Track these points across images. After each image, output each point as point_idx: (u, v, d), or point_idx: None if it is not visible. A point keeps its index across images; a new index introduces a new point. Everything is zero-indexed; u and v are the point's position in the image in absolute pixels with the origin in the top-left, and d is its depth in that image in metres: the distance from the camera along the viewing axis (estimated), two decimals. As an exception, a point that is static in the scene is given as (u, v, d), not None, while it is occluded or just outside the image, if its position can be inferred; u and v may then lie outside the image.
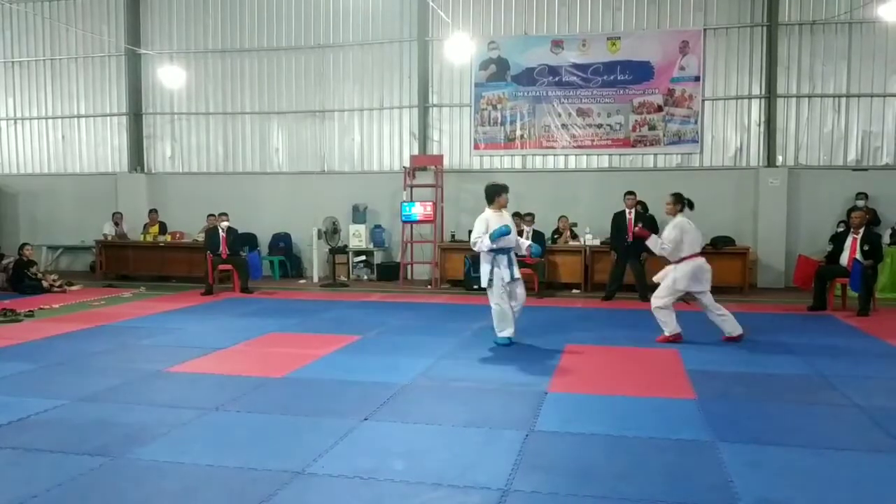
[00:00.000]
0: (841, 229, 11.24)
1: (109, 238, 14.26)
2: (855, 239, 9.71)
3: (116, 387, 5.74)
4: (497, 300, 7.35)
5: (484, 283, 7.43)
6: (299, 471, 3.92)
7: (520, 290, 7.55)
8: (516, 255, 7.57)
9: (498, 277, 7.29)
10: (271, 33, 14.94)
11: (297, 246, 14.82)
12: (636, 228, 7.94)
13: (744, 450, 4.26)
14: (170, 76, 13.95)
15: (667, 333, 7.60)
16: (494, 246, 7.20)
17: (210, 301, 10.98)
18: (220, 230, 12.03)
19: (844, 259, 9.77)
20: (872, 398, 5.41)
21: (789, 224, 12.83)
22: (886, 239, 11.70)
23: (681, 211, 7.66)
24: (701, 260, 7.56)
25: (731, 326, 7.60)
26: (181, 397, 5.45)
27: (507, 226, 7.28)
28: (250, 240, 14.24)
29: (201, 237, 13.09)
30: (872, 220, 11.64)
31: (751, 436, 4.54)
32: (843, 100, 12.89)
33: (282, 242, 14.69)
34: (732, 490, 3.65)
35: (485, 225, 7.32)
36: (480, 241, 7.26)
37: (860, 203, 11.88)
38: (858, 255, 9.57)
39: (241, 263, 12.09)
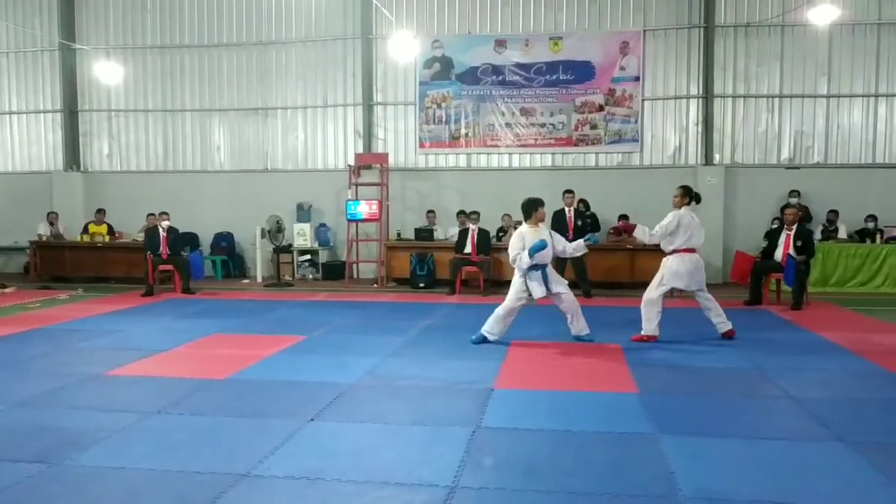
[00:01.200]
0: (775, 226, 11.62)
1: (44, 238, 13.82)
2: (788, 235, 10.04)
3: (54, 391, 5.58)
4: (512, 302, 7.33)
5: (516, 300, 7.31)
6: (245, 473, 3.88)
7: (565, 298, 7.39)
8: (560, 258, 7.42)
9: (535, 291, 7.20)
10: (212, 29, 14.70)
11: (240, 245, 14.63)
12: (621, 222, 7.83)
13: (684, 442, 4.37)
14: (106, 72, 13.59)
15: (642, 332, 7.51)
16: (535, 261, 7.11)
17: (150, 302, 10.76)
18: (161, 230, 11.79)
19: (778, 255, 10.10)
20: (805, 389, 5.61)
21: (726, 221, 13.21)
22: (818, 235, 12.14)
23: (687, 204, 7.56)
24: (695, 255, 7.53)
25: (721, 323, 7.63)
26: (121, 401, 5.32)
27: (543, 240, 7.11)
28: (191, 239, 14.00)
29: (141, 237, 12.81)
30: (805, 216, 12.07)
31: (691, 428, 4.66)
32: (777, 100, 13.33)
33: (224, 242, 14.47)
34: (674, 481, 3.75)
35: (521, 241, 7.20)
36: (519, 259, 7.15)
37: (793, 200, 12.31)
38: (792, 251, 9.90)
39: (182, 263, 11.87)
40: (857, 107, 13.20)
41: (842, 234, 12.42)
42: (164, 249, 11.73)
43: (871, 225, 12.35)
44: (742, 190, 13.28)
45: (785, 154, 13.41)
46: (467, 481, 3.76)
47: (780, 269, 10.07)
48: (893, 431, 4.58)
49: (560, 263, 11.23)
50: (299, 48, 14.50)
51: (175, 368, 6.43)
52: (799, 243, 9.93)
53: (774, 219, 12.51)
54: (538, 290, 7.21)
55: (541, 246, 7.05)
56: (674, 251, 7.51)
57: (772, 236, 10.67)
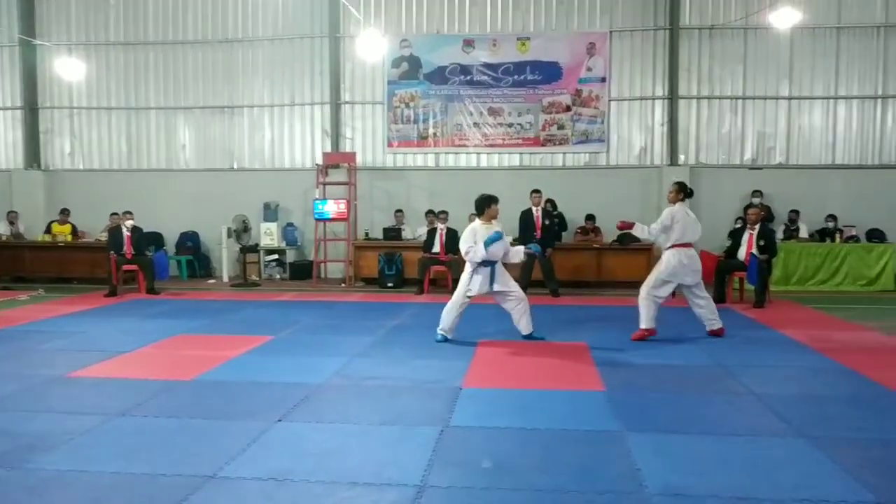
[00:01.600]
0: (738, 225, 11.81)
1: (4, 238, 13.54)
2: (751, 235, 10.22)
3: (14, 394, 5.48)
4: (456, 297, 7.39)
5: (463, 294, 7.34)
6: (211, 475, 3.84)
7: (511, 297, 7.40)
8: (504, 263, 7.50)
9: (475, 285, 7.25)
10: (177, 26, 14.53)
11: (206, 245, 14.49)
12: (620, 221, 7.86)
13: (650, 439, 4.42)
14: (68, 69, 13.37)
15: (642, 327, 7.51)
16: (487, 255, 7.12)
17: (114, 303, 10.60)
18: (125, 229, 11.61)
19: (742, 254, 10.27)
20: (767, 386, 5.71)
21: (691, 220, 13.35)
22: (780, 234, 12.37)
23: (682, 200, 7.65)
24: (691, 250, 7.60)
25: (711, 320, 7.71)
26: (84, 403, 5.24)
27: (499, 232, 7.24)
28: (156, 239, 13.84)
29: (104, 236, 12.61)
30: (767, 216, 12.28)
31: (656, 425, 4.72)
32: (740, 101, 13.55)
33: (189, 241, 14.32)
34: (640, 477, 3.80)
35: (473, 235, 7.24)
36: (473, 251, 7.16)
37: (756, 200, 12.52)
38: (755, 250, 10.07)
39: (146, 263, 11.71)
40: (818, 109, 13.47)
41: (803, 233, 12.67)
42: (127, 249, 11.56)
43: (831, 224, 12.61)
44: (706, 190, 13.44)
45: (748, 155, 13.63)
46: (436, 480, 3.77)
47: (743, 268, 10.24)
48: (852, 427, 4.68)
49: (529, 263, 11.33)
50: (266, 46, 14.39)
51: (139, 370, 6.35)
52: (762, 242, 10.11)
53: (738, 218, 12.71)
54: (478, 286, 7.24)
55: (496, 237, 7.11)
56: (671, 246, 7.57)
57: (735, 236, 10.84)
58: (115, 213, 12.30)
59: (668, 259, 7.56)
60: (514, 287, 7.47)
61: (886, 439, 4.42)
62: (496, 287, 7.32)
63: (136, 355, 6.95)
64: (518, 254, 7.63)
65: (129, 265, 11.64)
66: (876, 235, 12.65)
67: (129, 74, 14.75)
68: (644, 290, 7.60)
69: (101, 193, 14.35)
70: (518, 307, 7.44)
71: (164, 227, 14.23)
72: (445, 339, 7.43)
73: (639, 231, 7.66)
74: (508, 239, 11.92)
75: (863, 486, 3.67)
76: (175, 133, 14.79)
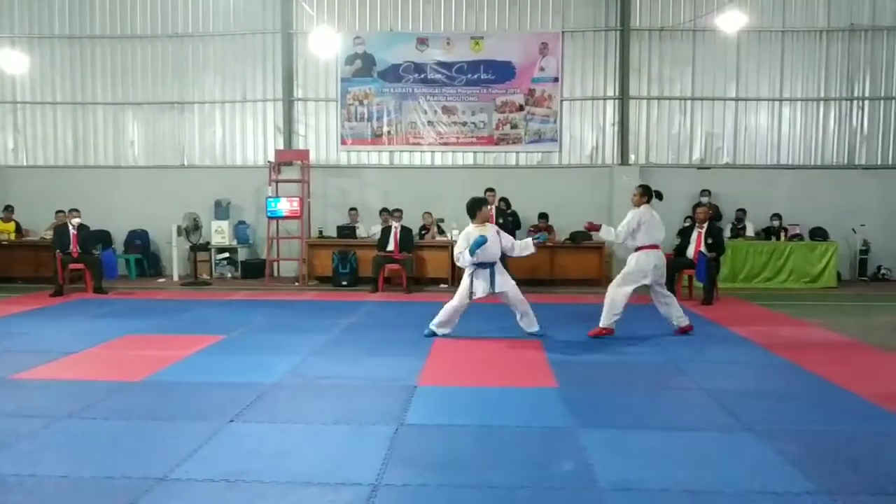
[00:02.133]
0: (687, 224, 12.03)
1: (-57, 236, 13.10)
2: (700, 233, 10.43)
3: (-46, 397, 5.31)
4: (459, 300, 7.46)
5: (466, 297, 7.42)
6: (161, 477, 3.78)
7: (511, 296, 7.50)
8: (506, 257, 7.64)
9: (478, 292, 7.37)
10: (125, 20, 14.22)
11: (156, 243, 14.22)
12: (587, 223, 7.82)
13: (602, 435, 4.49)
14: (11, 62, 12.93)
15: (601, 326, 7.60)
16: (475, 260, 7.26)
17: (60, 302, 10.33)
18: (71, 227, 11.34)
19: (690, 252, 10.48)
20: (716, 381, 5.84)
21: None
22: (727, 233, 12.65)
23: (647, 202, 7.73)
24: (658, 251, 7.66)
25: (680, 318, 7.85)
26: (30, 406, 5.10)
27: (483, 236, 7.23)
28: (104, 237, 13.53)
29: (49, 234, 12.28)
30: (715, 215, 12.53)
31: (609, 421, 4.79)
32: (689, 102, 13.82)
33: (138, 240, 14.04)
34: (592, 473, 3.85)
35: (466, 240, 7.34)
36: (462, 257, 7.32)
37: (704, 199, 12.78)
38: (703, 248, 10.29)
39: (93, 262, 11.45)
40: (764, 110, 13.81)
41: (749, 232, 12.99)
42: (74, 248, 11.29)
43: (776, 223, 12.96)
44: (656, 189, 13.67)
45: (696, 155, 13.90)
46: (390, 479, 3.77)
47: (692, 266, 10.45)
48: (796, 419, 4.83)
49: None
50: (217, 42, 14.18)
51: (87, 371, 6.21)
52: (710, 241, 10.33)
53: (686, 217, 12.96)
54: (480, 289, 7.37)
55: (480, 242, 7.17)
56: (640, 248, 7.63)
57: (684, 234, 11.05)
58: (61, 211, 11.99)
59: (638, 260, 7.62)
60: (513, 287, 7.57)
61: (827, 431, 4.57)
62: (497, 288, 7.43)
63: (84, 356, 6.80)
64: (528, 246, 7.65)
65: (75, 264, 11.36)
66: (819, 234, 13.03)
67: (75, 68, 14.38)
68: (612, 288, 7.70)
69: (46, 190, 13.96)
70: (521, 305, 7.57)
71: (112, 225, 13.92)
72: (433, 335, 7.54)
73: (605, 233, 7.75)
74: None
75: (805, 476, 3.79)
76: (123, 129, 14.47)
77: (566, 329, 8.05)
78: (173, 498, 3.57)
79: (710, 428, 4.67)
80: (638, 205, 7.73)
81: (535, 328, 7.62)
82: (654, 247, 7.65)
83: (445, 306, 7.60)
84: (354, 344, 7.33)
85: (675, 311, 7.84)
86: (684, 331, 7.85)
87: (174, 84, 14.28)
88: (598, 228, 7.75)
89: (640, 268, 7.58)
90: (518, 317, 7.64)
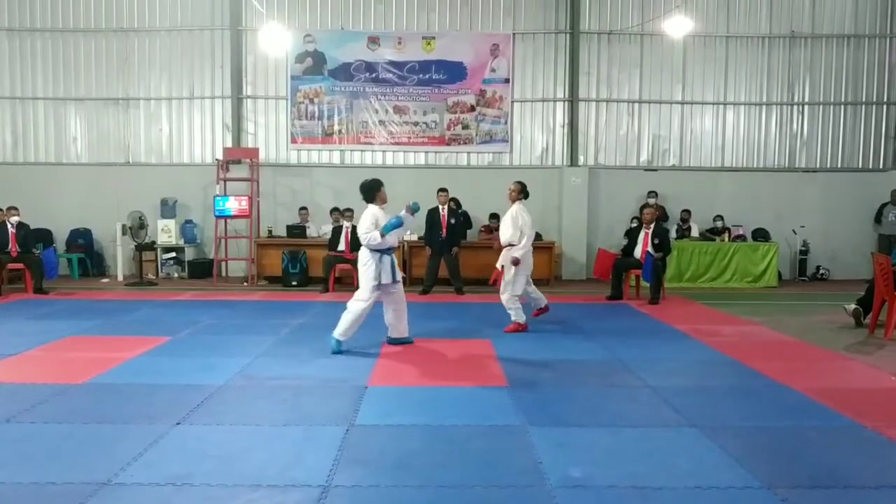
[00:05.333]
0: (634, 224, 12.24)
1: None
2: (647, 233, 10.61)
3: None
4: (365, 300, 6.91)
5: (372, 285, 6.88)
6: (105, 481, 3.69)
7: (399, 290, 7.21)
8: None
9: (385, 278, 6.91)
10: (67, 13, 13.84)
11: (99, 242, 13.89)
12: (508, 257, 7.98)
13: (551, 432, 4.54)
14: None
15: (521, 321, 8.05)
16: (387, 240, 6.88)
17: (-3, 303, 10.03)
18: (10, 225, 11.01)
19: (638, 252, 10.65)
20: (662, 378, 5.96)
21: (590, 220, 13.79)
22: (673, 233, 12.90)
23: (525, 198, 8.20)
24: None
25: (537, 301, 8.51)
26: (-35, 410, 4.94)
27: (400, 217, 6.90)
28: (45, 236, 13.18)
29: (-14, 233, 11.90)
30: (662, 216, 12.80)
31: (557, 419, 4.85)
32: (636, 105, 14.05)
33: (81, 239, 13.69)
34: (541, 470, 3.90)
35: (372, 219, 6.91)
36: (370, 236, 6.83)
37: (651, 200, 13.01)
38: (650, 249, 10.47)
39: (33, 262, 11.12)
40: (708, 113, 14.12)
41: (694, 232, 13.27)
42: (13, 247, 10.98)
43: (719, 224, 13.27)
44: (604, 190, 13.92)
45: (644, 156, 14.15)
46: (341, 480, 3.75)
47: (639, 266, 10.63)
48: (739, 416, 4.95)
49: (434, 261, 11.43)
50: (164, 37, 13.90)
51: (26, 373, 6.04)
52: (656, 241, 10.52)
53: (633, 218, 13.19)
54: (387, 276, 6.94)
55: (396, 223, 6.87)
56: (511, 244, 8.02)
57: (631, 234, 11.23)
58: (-1, 209, 11.64)
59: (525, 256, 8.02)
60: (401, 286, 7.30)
61: (770, 427, 4.70)
62: (396, 277, 7.08)
63: (23, 358, 6.60)
64: (409, 223, 7.21)
65: (14, 264, 11.05)
66: (761, 235, 13.39)
67: (14, 62, 13.94)
68: (507, 292, 8.07)
69: (-18, 187, 13.53)
70: (401, 307, 7.24)
71: (54, 223, 13.56)
72: (340, 351, 6.90)
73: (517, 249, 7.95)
74: (414, 237, 12.08)
75: (748, 472, 3.89)
76: (65, 125, 14.08)
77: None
78: (117, 502, 3.50)
79: (656, 424, 4.77)
80: (514, 200, 8.22)
81: (406, 334, 7.32)
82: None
83: (350, 311, 6.92)
84: (304, 344, 7.27)
85: (533, 294, 8.46)
86: (540, 312, 8.53)
87: (119, 79, 13.95)
88: (517, 262, 7.91)
89: (526, 263, 8.04)
90: (391, 317, 7.22)
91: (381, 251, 6.96)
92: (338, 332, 6.92)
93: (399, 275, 7.21)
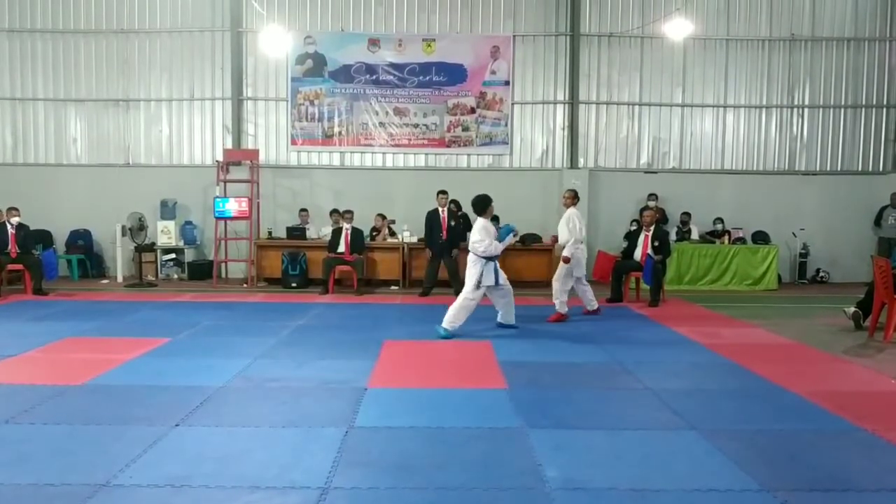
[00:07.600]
0: (634, 227, 12.24)
1: None
2: (647, 236, 10.61)
3: None
4: (472, 297, 7.83)
5: (473, 284, 7.82)
6: (104, 483, 3.69)
7: (507, 288, 8.16)
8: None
9: (486, 282, 7.82)
10: (67, 14, 13.85)
11: (99, 244, 13.88)
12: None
13: (551, 435, 4.53)
14: (-54, 55, 12.51)
15: (563, 312, 8.90)
16: (503, 247, 7.95)
17: (-3, 304, 10.03)
18: (9, 226, 11.02)
19: (638, 254, 10.65)
20: (662, 381, 5.95)
21: (590, 222, 13.72)
22: (673, 236, 12.90)
23: (575, 204, 9.13)
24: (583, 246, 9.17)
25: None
26: (-36, 411, 4.94)
27: (510, 225, 8.29)
28: (45, 237, 13.18)
29: (-15, 234, 11.90)
30: (662, 218, 12.79)
31: (557, 421, 4.84)
32: (637, 107, 14.05)
33: (81, 240, 13.69)
34: (541, 473, 3.89)
35: (486, 231, 7.85)
36: (492, 246, 7.81)
37: (651, 203, 13.01)
38: (650, 251, 10.46)
39: (33, 263, 11.13)
40: (708, 116, 14.13)
41: (694, 235, 13.27)
42: (13, 248, 10.99)
43: (719, 227, 13.27)
44: (604, 192, 13.91)
45: (644, 159, 14.15)
46: (340, 482, 3.75)
47: (639, 269, 10.63)
48: (739, 419, 4.95)
49: (434, 264, 11.42)
50: (164, 38, 13.91)
51: (26, 374, 6.03)
52: (656, 243, 10.52)
53: (633, 220, 13.18)
54: (490, 279, 7.84)
55: (510, 230, 8.12)
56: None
57: (631, 237, 11.23)
58: (-1, 210, 11.65)
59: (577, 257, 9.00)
60: (507, 281, 8.19)
61: (769, 430, 4.69)
62: (500, 281, 7.97)
63: (23, 359, 6.60)
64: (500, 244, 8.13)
65: (14, 264, 11.05)
66: (761, 237, 13.38)
67: (14, 63, 13.95)
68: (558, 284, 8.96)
69: (-18, 188, 13.54)
70: (508, 300, 8.20)
71: (54, 224, 13.56)
72: (450, 336, 7.72)
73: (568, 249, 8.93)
74: (414, 239, 12.07)
75: (747, 474, 3.89)
76: (65, 126, 14.08)
77: (516, 330, 8.10)
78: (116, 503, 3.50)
79: (655, 427, 4.76)
80: (568, 206, 9.13)
81: (512, 320, 8.24)
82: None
83: (458, 303, 7.84)
84: (304, 346, 7.27)
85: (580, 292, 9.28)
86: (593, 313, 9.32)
87: (119, 81, 13.96)
88: (567, 260, 8.90)
89: (579, 263, 9.04)
90: (502, 311, 8.26)
91: (485, 258, 7.83)
92: (445, 322, 7.79)
93: (503, 278, 8.07)
